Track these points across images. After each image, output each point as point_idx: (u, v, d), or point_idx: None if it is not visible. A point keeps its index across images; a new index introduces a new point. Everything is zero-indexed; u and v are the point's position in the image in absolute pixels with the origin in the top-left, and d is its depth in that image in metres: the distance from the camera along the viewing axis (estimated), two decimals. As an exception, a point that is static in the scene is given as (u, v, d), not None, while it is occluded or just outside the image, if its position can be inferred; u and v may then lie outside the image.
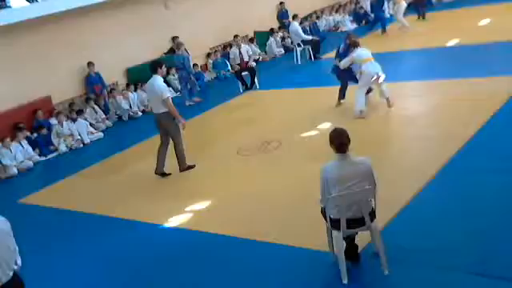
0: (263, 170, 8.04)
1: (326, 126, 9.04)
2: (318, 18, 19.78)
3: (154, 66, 8.34)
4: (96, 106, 12.75)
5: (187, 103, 12.90)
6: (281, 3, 19.05)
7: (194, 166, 8.55)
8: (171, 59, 13.45)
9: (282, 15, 18.83)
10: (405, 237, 5.35)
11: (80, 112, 12.09)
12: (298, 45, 15.50)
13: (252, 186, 7.46)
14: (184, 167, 8.48)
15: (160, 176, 8.42)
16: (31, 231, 7.55)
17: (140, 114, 13.17)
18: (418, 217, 5.73)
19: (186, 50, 13.39)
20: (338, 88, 10.15)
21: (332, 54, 15.57)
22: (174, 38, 15.15)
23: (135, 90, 13.54)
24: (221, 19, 16.46)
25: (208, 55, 16.10)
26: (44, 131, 11.41)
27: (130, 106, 13.14)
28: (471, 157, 6.96)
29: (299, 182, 7.07)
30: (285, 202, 6.66)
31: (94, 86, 13.09)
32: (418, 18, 18.48)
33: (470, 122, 8.01)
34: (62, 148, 11.29)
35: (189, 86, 13.28)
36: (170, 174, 8.46)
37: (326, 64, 14.86)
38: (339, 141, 4.66)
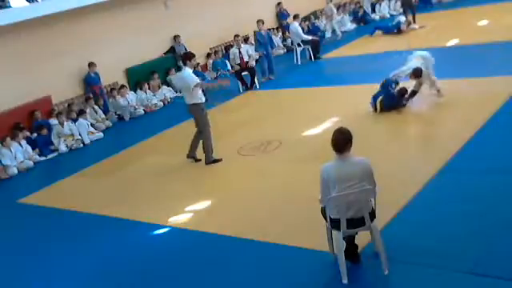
0: (263, 169, 8.04)
1: (327, 126, 9.04)
2: (317, 18, 19.77)
3: (184, 58, 8.66)
4: (96, 106, 12.75)
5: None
6: (278, 3, 19.04)
7: (221, 159, 8.64)
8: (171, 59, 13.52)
9: (282, 16, 18.83)
10: (405, 237, 5.35)
11: (81, 112, 12.09)
12: (298, 45, 15.50)
13: (252, 186, 7.46)
14: (210, 160, 8.58)
15: (192, 159, 8.74)
16: (31, 231, 7.56)
17: (142, 111, 13.16)
18: (417, 217, 5.72)
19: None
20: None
21: (332, 54, 15.74)
22: (175, 37, 15.18)
23: (135, 91, 13.53)
24: (221, 19, 16.46)
25: (208, 55, 16.10)
26: (44, 131, 11.41)
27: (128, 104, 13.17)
28: (471, 157, 6.96)
29: (299, 182, 7.06)
30: (285, 201, 6.65)
31: (92, 86, 13.10)
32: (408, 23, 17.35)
33: (470, 122, 8.00)
34: (62, 148, 11.29)
35: None
36: (200, 159, 8.72)
37: (326, 64, 14.96)
38: (336, 142, 4.66)
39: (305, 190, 6.45)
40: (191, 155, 8.77)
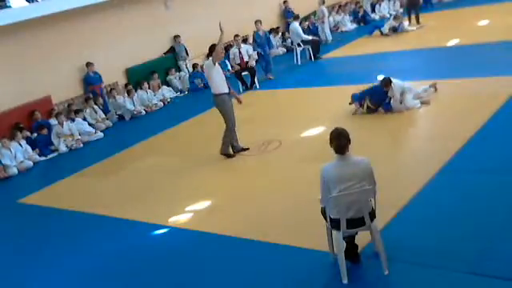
0: (263, 170, 8.04)
1: (327, 126, 9.03)
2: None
3: (210, 50, 8.85)
4: (96, 106, 12.75)
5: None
6: (284, 2, 19.08)
7: (234, 155, 8.68)
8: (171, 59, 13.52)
9: (287, 14, 18.83)
10: (405, 237, 5.35)
11: (78, 111, 12.10)
12: (298, 45, 15.50)
13: (252, 186, 7.46)
14: (224, 152, 8.64)
15: (240, 152, 8.76)
16: (31, 231, 7.57)
17: (143, 111, 13.15)
18: (417, 217, 5.72)
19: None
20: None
21: (332, 54, 15.74)
22: (175, 37, 15.19)
23: (135, 91, 13.54)
24: (221, 19, 16.41)
25: (208, 55, 16.08)
26: (44, 131, 11.41)
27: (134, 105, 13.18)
28: (471, 157, 6.96)
29: (299, 182, 7.06)
30: (285, 201, 6.65)
31: (92, 85, 13.10)
32: (409, 21, 17.64)
33: (470, 122, 8.00)
34: (62, 148, 11.29)
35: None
36: (248, 148, 8.82)
37: (326, 64, 14.96)
38: (338, 142, 4.66)
39: (305, 189, 6.46)
40: (236, 149, 8.76)
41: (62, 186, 9.24)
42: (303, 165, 7.69)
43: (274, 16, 19.02)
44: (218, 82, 8.46)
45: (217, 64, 8.48)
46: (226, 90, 8.58)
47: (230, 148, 8.73)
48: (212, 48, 8.70)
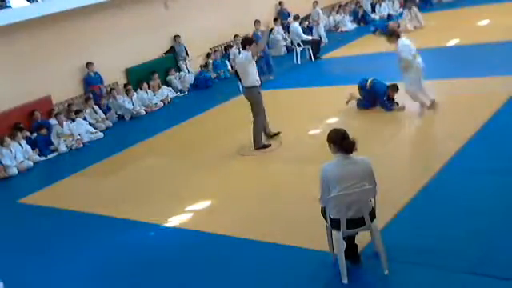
0: (263, 170, 8.04)
1: (327, 126, 9.03)
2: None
3: (243, 43, 8.96)
4: (96, 106, 12.74)
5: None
6: (280, 2, 19.06)
7: (270, 145, 8.75)
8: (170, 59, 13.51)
9: (283, 16, 18.81)
10: (405, 237, 5.35)
11: (78, 112, 12.09)
12: (298, 45, 15.51)
13: (252, 186, 7.46)
14: (259, 146, 8.69)
15: (273, 137, 8.97)
16: (31, 231, 7.57)
17: (143, 112, 13.15)
18: (417, 217, 5.73)
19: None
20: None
21: (331, 55, 15.74)
22: (175, 37, 15.19)
23: (135, 91, 13.54)
24: (221, 19, 16.46)
25: (208, 55, 16.10)
26: (44, 131, 11.41)
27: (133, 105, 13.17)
28: (471, 157, 6.96)
29: (299, 182, 7.07)
30: (285, 202, 6.66)
31: (92, 86, 13.09)
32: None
33: (470, 122, 8.01)
34: (62, 148, 11.28)
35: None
36: (279, 132, 9.05)
37: (326, 64, 14.97)
38: (346, 141, 4.64)
39: (305, 190, 6.46)
40: (270, 135, 8.95)
41: (62, 186, 9.24)
42: (303, 165, 7.69)
43: (270, 17, 18.96)
44: (254, 74, 8.63)
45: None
46: (259, 83, 8.81)
47: (264, 137, 8.81)
48: (247, 41, 8.79)
